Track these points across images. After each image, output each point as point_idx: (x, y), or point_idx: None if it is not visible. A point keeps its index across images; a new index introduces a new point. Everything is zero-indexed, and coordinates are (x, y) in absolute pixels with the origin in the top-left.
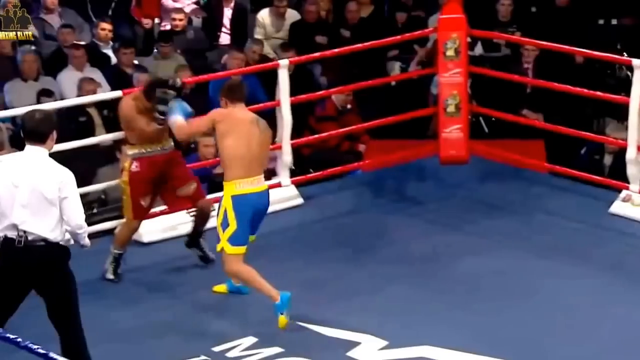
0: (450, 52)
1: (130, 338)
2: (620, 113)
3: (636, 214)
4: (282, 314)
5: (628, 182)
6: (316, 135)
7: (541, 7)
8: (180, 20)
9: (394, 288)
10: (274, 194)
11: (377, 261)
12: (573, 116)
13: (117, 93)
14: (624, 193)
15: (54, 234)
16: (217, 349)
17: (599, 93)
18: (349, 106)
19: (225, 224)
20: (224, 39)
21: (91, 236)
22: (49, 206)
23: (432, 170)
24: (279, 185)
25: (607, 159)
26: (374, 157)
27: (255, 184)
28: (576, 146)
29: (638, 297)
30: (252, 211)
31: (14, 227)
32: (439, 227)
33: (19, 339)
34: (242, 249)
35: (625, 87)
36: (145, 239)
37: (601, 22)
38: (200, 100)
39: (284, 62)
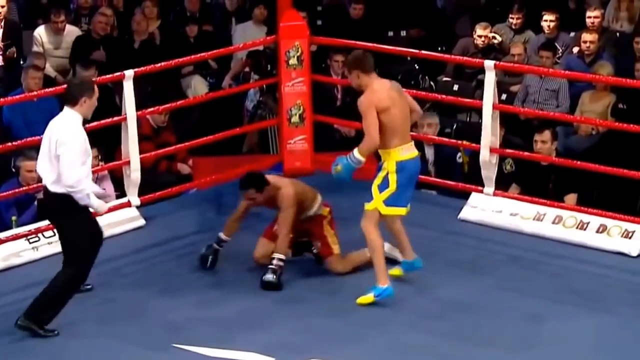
0: (293, 61)
1: None
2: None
3: (486, 218)
4: (375, 296)
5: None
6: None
7: (330, 21)
8: None
9: (268, 304)
10: (115, 216)
11: (242, 279)
12: None
13: None
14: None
15: (54, 187)
16: None
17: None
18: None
19: (384, 186)
20: None
21: None
22: (53, 161)
23: None
24: (128, 204)
25: (428, 152)
26: (206, 175)
27: (412, 150)
28: None
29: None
30: (410, 176)
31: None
32: None
33: None
34: (396, 210)
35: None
36: None
37: (391, 33)
38: None
39: (129, 74)
